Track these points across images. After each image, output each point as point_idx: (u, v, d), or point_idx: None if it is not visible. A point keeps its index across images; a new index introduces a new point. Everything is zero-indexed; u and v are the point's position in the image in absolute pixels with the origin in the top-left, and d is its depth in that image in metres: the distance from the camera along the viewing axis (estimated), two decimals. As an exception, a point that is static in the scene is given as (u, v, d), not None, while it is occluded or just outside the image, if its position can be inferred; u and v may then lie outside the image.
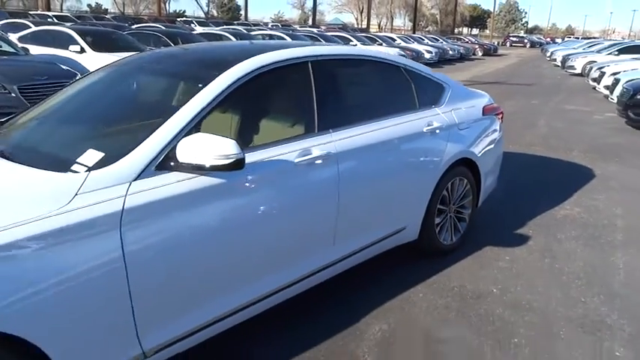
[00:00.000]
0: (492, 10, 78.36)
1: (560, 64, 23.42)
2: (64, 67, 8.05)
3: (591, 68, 15.13)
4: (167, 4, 66.49)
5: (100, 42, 9.97)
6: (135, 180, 1.83)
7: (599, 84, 12.78)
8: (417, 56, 20.16)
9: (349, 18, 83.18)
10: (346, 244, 2.69)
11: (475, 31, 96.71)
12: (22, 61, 8.03)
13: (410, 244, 3.25)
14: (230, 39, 14.10)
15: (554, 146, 7.01)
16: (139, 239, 1.78)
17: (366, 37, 22.29)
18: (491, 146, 3.73)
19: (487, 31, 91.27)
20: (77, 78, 2.91)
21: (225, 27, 21.50)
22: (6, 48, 8.32)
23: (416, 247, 3.31)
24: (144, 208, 1.81)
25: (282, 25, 39.32)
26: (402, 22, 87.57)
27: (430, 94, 3.32)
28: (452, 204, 3.44)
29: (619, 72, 11.22)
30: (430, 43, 28.06)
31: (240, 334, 2.37)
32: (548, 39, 77.07)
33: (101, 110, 2.50)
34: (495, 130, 3.81)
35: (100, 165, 1.85)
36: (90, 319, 1.70)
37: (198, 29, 20.10)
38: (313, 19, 47.02)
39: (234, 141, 1.88)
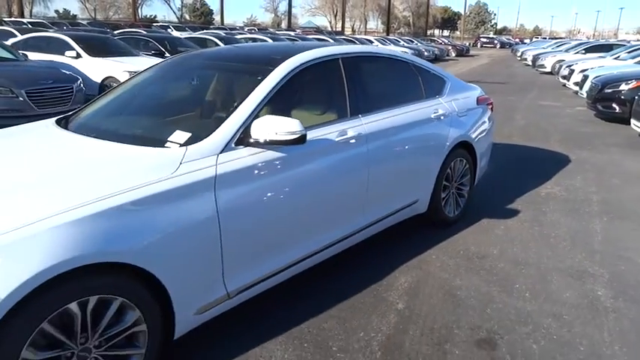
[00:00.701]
0: (463, 12, 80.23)
1: (530, 63, 24.49)
2: (66, 71, 8.34)
3: (561, 66, 16.01)
4: (140, 9, 66.04)
5: (95, 47, 10.22)
6: (221, 153, 2.28)
7: (569, 81, 13.61)
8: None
9: (322, 21, 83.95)
10: (372, 212, 3.17)
11: (446, 32, 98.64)
12: (26, 66, 8.29)
13: (420, 215, 3.76)
14: (218, 43, 14.44)
15: (533, 136, 7.65)
16: (227, 198, 2.22)
17: (344, 39, 22.87)
18: (485, 132, 4.28)
19: (457, 33, 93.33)
20: (138, 72, 3.29)
21: (205, 32, 21.75)
22: (6, 55, 8.54)
23: (425, 218, 3.82)
24: (229, 174, 2.25)
25: (259, 29, 39.72)
26: (374, 24, 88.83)
27: (434, 86, 3.85)
28: (454, 181, 3.97)
29: (587, 69, 12.03)
30: (406, 44, 28.87)
31: (287, 289, 2.82)
32: (517, 39, 79.31)
33: (175, 98, 2.95)
34: (487, 118, 4.36)
35: (190, 141, 2.29)
36: (191, 259, 2.13)
37: (175, 34, 20.27)
38: (289, 22, 47.50)
39: (298, 120, 2.34)
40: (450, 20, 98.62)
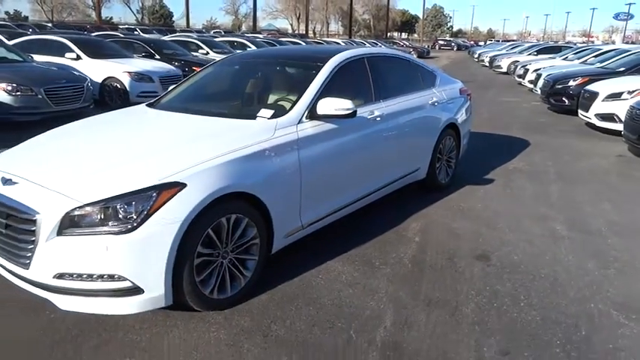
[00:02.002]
0: (421, 16, 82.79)
1: (488, 64, 26.23)
2: (75, 72, 8.96)
3: (516, 67, 17.59)
4: (99, 12, 64.98)
5: (93, 50, 10.79)
6: (298, 123, 3.21)
7: (524, 79, 15.10)
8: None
9: (283, 24, 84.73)
10: (391, 174, 4.17)
11: (404, 35, 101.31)
12: (40, 67, 8.86)
13: (420, 182, 4.78)
14: (200, 45, 15.10)
15: (497, 126, 8.86)
16: (304, 154, 3.15)
17: (315, 42, 23.88)
18: (466, 116, 5.36)
19: (415, 35, 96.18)
20: (207, 65, 4.18)
21: (185, 34, 22.14)
22: (15, 57, 9.08)
23: (423, 184, 4.84)
24: (304, 138, 3.19)
25: (225, 32, 40.27)
26: (335, 27, 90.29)
27: (428, 79, 4.89)
28: (445, 155, 5.01)
29: (540, 68, 13.50)
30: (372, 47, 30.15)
31: (338, 228, 3.77)
32: (472, 42, 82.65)
33: (249, 86, 3.85)
34: (468, 106, 5.45)
35: (275, 116, 3.21)
36: (284, 195, 3.04)
37: (145, 37, 20.64)
38: (254, 25, 47.96)
39: (350, 100, 3.30)
40: (407, 23, 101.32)
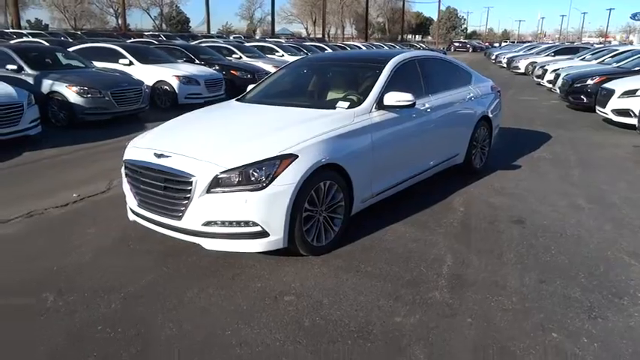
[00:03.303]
0: (437, 18, 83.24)
1: (505, 65, 26.81)
2: (134, 77, 9.90)
3: (534, 67, 18.22)
4: (117, 19, 66.66)
5: (143, 56, 11.76)
6: (369, 112, 4.03)
7: (542, 79, 15.75)
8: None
9: (297, 28, 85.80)
10: (438, 156, 4.96)
11: (418, 37, 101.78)
12: (104, 72, 9.83)
13: (458, 166, 5.55)
14: (233, 50, 16.02)
15: (520, 121, 9.58)
16: (375, 137, 3.96)
17: (337, 45, 24.76)
18: (497, 110, 6.13)
19: (429, 37, 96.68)
20: (281, 67, 5.02)
21: (204, 39, 23.14)
22: (79, 63, 10.07)
23: (460, 168, 5.62)
24: (375, 124, 4.00)
25: (245, 37, 41.40)
26: (349, 30, 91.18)
27: (465, 77, 5.68)
28: (479, 143, 5.78)
29: (558, 69, 14.15)
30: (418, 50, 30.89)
31: (399, 199, 4.57)
32: (487, 43, 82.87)
33: (323, 83, 4.69)
34: (498, 101, 6.22)
35: (351, 107, 4.03)
36: (361, 168, 3.84)
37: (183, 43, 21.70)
38: (272, 30, 49.18)
39: (410, 94, 4.11)
40: (422, 25, 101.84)
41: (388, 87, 4.27)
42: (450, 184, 5.34)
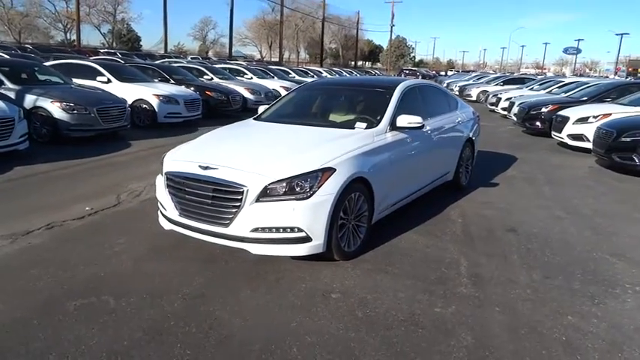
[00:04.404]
0: (387, 45, 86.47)
1: (457, 93, 28.37)
2: (118, 95, 9.97)
3: (487, 96, 19.55)
4: (67, 34, 64.86)
5: (120, 74, 11.81)
6: (385, 133, 4.50)
7: (497, 107, 16.97)
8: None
9: (251, 51, 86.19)
10: (433, 174, 5.50)
11: (368, 64, 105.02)
12: (87, 89, 9.85)
13: (448, 182, 6.12)
14: (204, 71, 16.24)
15: (486, 145, 10.36)
16: (392, 153, 4.43)
17: (301, 70, 25.44)
18: (477, 133, 6.80)
19: (379, 64, 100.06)
20: (292, 90, 5.42)
21: (173, 60, 23.17)
22: (58, 80, 10.03)
23: (450, 184, 6.19)
24: (390, 142, 4.48)
25: (203, 59, 41.43)
26: (302, 55, 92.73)
27: (453, 103, 6.32)
28: (464, 162, 6.40)
29: (512, 97, 15.35)
30: (349, 76, 32.04)
31: (407, 212, 5.03)
32: (434, 72, 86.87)
33: (338, 106, 5.13)
34: (477, 125, 6.89)
35: (368, 127, 4.49)
36: (382, 182, 4.29)
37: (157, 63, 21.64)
38: (230, 52, 49.29)
39: (420, 117, 4.62)
40: (372, 53, 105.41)
41: (398, 110, 4.78)
42: (442, 199, 5.87)
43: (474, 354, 2.73)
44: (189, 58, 38.15)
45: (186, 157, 4.06)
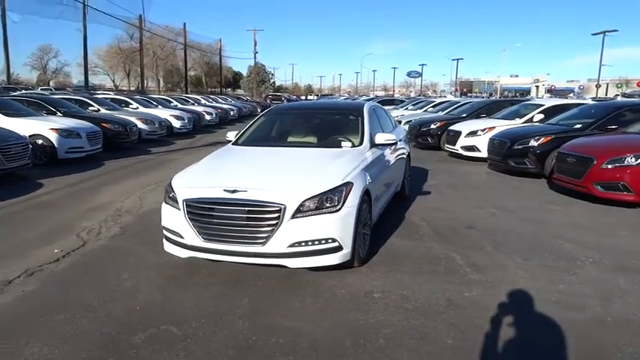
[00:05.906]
0: (250, 72, 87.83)
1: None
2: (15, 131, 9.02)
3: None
4: None
5: (4, 109, 10.69)
6: (368, 150, 5.04)
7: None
8: (198, 118, 21.01)
9: (102, 80, 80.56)
10: (393, 186, 6.15)
11: (229, 90, 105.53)
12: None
13: (397, 193, 6.84)
14: (90, 103, 15.23)
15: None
16: (377, 167, 4.97)
17: (180, 98, 24.95)
18: (410, 149, 7.68)
19: (239, 90, 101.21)
20: (262, 114, 5.69)
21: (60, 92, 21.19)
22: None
23: (398, 195, 6.91)
24: (375, 158, 5.02)
25: (56, 89, 38.08)
26: (162, 83, 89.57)
27: (394, 122, 7.10)
28: (406, 173, 7.19)
29: (397, 116, 17.00)
30: (224, 103, 31.93)
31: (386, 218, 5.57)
32: (296, 96, 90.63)
33: (314, 128, 5.50)
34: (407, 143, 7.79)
35: (354, 145, 4.98)
36: (375, 193, 4.79)
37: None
38: (86, 82, 45.85)
39: (394, 135, 5.25)
40: (234, 79, 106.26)
41: (372, 129, 5.36)
42: (396, 208, 6.54)
43: (513, 324, 3.34)
44: (39, 90, 34.85)
45: (203, 183, 4.13)
